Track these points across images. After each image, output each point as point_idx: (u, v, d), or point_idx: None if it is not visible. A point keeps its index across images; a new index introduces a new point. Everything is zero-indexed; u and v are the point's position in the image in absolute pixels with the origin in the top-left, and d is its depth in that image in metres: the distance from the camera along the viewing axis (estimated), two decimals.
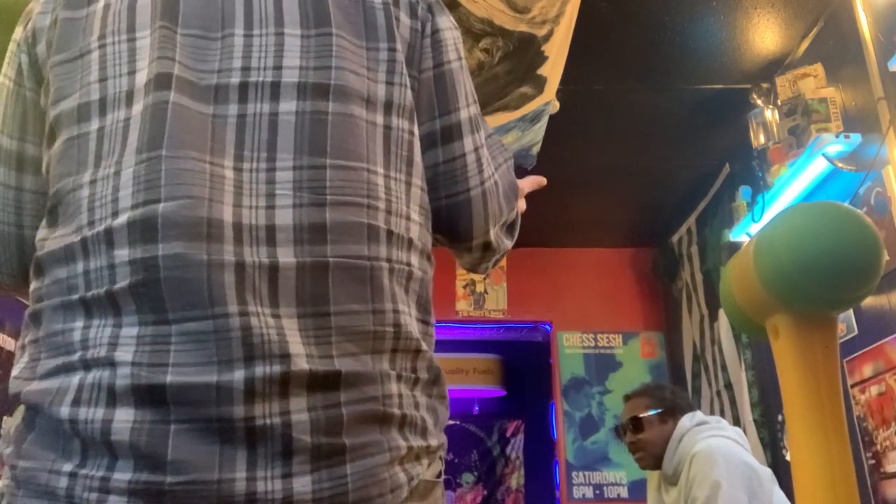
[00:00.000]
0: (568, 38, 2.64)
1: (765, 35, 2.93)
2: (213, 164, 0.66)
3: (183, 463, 0.57)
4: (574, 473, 4.54)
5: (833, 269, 1.63)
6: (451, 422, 6.85)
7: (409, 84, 0.78)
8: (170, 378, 0.59)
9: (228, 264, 0.62)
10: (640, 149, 3.77)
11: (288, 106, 0.70)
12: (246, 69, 0.71)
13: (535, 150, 3.38)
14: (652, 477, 2.37)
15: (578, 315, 4.85)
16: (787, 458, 2.63)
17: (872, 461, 2.54)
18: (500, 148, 0.92)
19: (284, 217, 0.66)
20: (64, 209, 0.69)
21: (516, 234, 0.94)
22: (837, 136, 2.58)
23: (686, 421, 2.21)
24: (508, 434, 6.80)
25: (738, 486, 1.96)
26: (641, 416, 2.26)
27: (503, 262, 4.94)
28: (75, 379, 0.61)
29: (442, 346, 7.11)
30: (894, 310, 2.49)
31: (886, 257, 1.71)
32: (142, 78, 0.70)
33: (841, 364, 2.08)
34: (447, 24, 0.85)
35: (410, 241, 0.73)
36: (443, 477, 0.72)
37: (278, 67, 0.72)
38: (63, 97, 0.73)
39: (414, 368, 0.70)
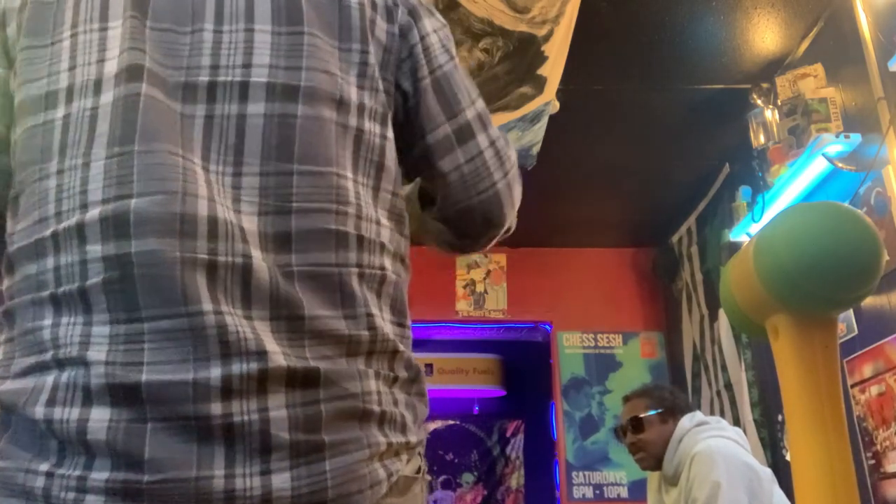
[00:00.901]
0: (568, 38, 2.64)
1: (765, 35, 2.93)
2: (185, 159, 0.65)
3: (160, 461, 0.57)
4: (574, 473, 4.54)
5: (833, 269, 1.63)
6: (451, 422, 6.85)
7: (381, 88, 0.77)
8: (145, 377, 0.58)
9: (201, 263, 0.62)
10: (640, 149, 3.77)
11: (256, 108, 0.69)
12: (215, 67, 0.70)
13: (535, 150, 3.38)
14: (652, 478, 2.37)
15: (578, 315, 4.85)
16: (787, 458, 2.63)
17: (872, 461, 2.54)
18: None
19: (250, 223, 0.65)
20: (27, 198, 0.68)
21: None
22: (837, 136, 2.58)
23: (686, 421, 2.21)
24: (508, 434, 6.80)
25: (738, 486, 1.96)
26: (642, 416, 2.26)
27: (503, 263, 4.95)
28: (49, 378, 0.61)
29: (442, 346, 7.14)
30: (894, 310, 2.48)
31: (886, 257, 1.71)
32: (111, 67, 0.69)
33: (841, 364, 2.08)
34: (432, 26, 0.84)
35: (382, 246, 0.72)
36: (423, 473, 0.73)
37: (248, 66, 0.70)
38: (29, 81, 0.71)
39: (392, 367, 0.70)
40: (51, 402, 0.59)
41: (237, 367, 0.60)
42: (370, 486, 0.63)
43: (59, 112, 0.69)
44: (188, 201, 0.63)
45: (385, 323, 0.70)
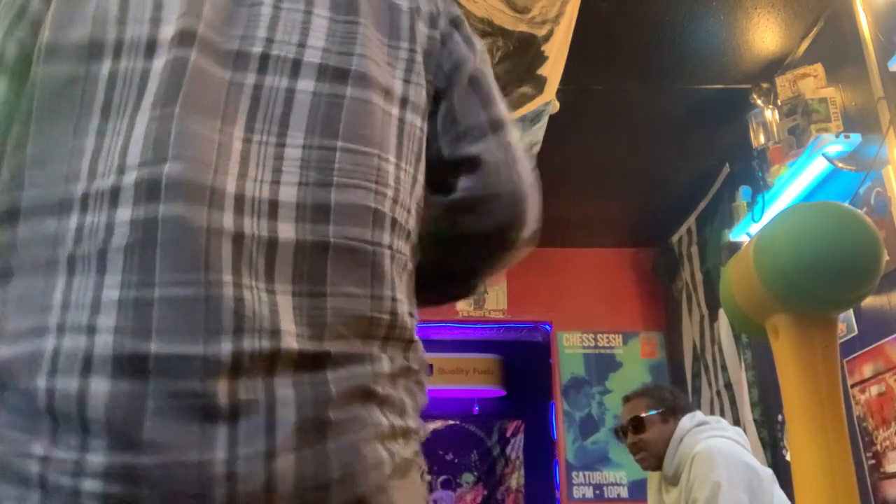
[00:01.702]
0: (568, 38, 2.64)
1: (765, 35, 2.93)
2: (222, 133, 0.64)
3: (160, 442, 0.54)
4: (574, 473, 4.54)
5: (833, 269, 1.63)
6: (451, 422, 6.85)
7: (424, 85, 0.79)
8: (154, 347, 0.56)
9: (227, 233, 0.60)
10: (640, 149, 3.77)
11: (306, 84, 0.69)
12: (269, 40, 0.70)
13: (535, 150, 3.38)
14: (652, 478, 2.37)
15: (578, 315, 4.85)
16: (787, 458, 2.63)
17: (872, 461, 2.54)
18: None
19: (288, 194, 0.65)
20: (50, 151, 0.64)
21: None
22: (837, 136, 2.58)
23: (686, 421, 2.21)
24: (508, 434, 6.80)
25: (738, 486, 1.96)
26: (643, 416, 2.26)
27: None
28: (48, 344, 0.57)
29: (442, 346, 7.14)
30: (894, 310, 2.48)
31: (886, 257, 1.71)
32: (167, 31, 0.67)
33: (841, 364, 2.08)
34: (469, 34, 0.88)
35: (409, 234, 0.73)
36: (421, 458, 0.73)
37: (302, 45, 0.71)
38: (67, 20, 0.68)
39: (406, 357, 0.70)
40: (52, 373, 0.56)
41: (249, 344, 0.58)
42: (374, 467, 0.62)
43: (105, 67, 0.66)
44: (219, 176, 0.62)
45: (405, 310, 0.70)
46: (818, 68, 2.80)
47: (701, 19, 2.83)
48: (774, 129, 2.98)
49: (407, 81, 0.77)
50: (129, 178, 0.61)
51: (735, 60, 3.07)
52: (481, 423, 6.90)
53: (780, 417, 3.31)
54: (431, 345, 7.34)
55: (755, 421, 3.50)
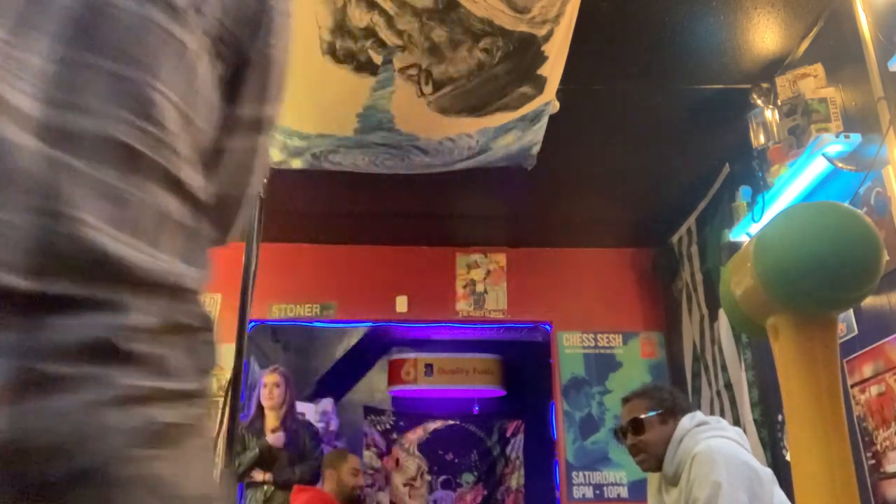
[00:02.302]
0: (568, 38, 2.64)
1: (765, 35, 2.93)
2: None
3: None
4: (574, 473, 4.54)
5: (833, 269, 1.63)
6: (451, 422, 6.86)
7: (215, 23, 0.70)
8: None
9: None
10: (640, 149, 3.77)
11: None
12: None
13: (535, 150, 3.38)
14: (652, 479, 2.37)
15: (578, 315, 4.85)
16: (787, 458, 2.63)
17: (872, 461, 2.54)
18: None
19: (21, 102, 0.55)
20: None
21: None
22: (837, 136, 2.58)
23: (686, 421, 2.21)
24: (508, 434, 6.80)
25: (738, 486, 1.96)
26: (642, 417, 2.26)
27: (503, 262, 4.95)
28: None
29: (442, 346, 7.11)
30: (894, 310, 2.48)
31: (886, 257, 1.71)
32: None
33: (841, 364, 2.08)
34: (283, 8, 0.79)
35: (178, 182, 0.63)
36: (204, 423, 0.62)
37: None
38: None
39: (171, 308, 0.60)
40: None
41: None
42: (110, 434, 0.52)
43: None
44: None
45: (170, 256, 0.61)
46: (818, 68, 2.80)
47: (701, 19, 2.83)
48: (774, 129, 2.98)
49: (199, 11, 0.68)
50: None
51: (735, 60, 3.07)
52: (481, 423, 6.90)
53: (780, 417, 3.30)
54: (431, 345, 7.37)
55: (755, 421, 3.50)
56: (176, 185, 0.64)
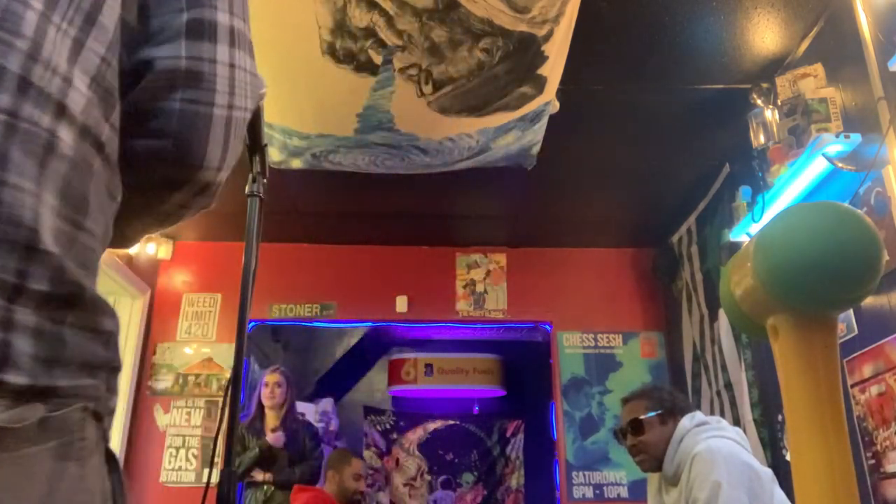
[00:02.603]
0: (568, 38, 2.64)
1: (765, 35, 2.93)
2: None
3: None
4: (574, 473, 4.54)
5: (833, 269, 1.63)
6: (451, 422, 6.86)
7: None
8: None
9: None
10: (640, 149, 3.77)
11: None
12: None
13: (535, 150, 3.38)
14: (652, 479, 2.36)
15: (578, 315, 4.85)
16: (787, 458, 2.63)
17: (872, 461, 2.54)
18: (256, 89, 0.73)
19: None
20: None
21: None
22: (837, 136, 2.58)
23: (686, 422, 2.21)
24: (508, 434, 6.80)
25: (738, 486, 1.96)
26: (642, 418, 2.25)
27: (503, 262, 4.95)
28: None
29: (442, 346, 7.12)
30: (894, 310, 2.48)
31: (886, 257, 1.71)
32: None
33: (841, 364, 2.08)
34: None
35: (63, 108, 0.54)
36: (59, 429, 0.51)
37: None
38: None
39: (21, 272, 0.49)
40: None
41: None
42: None
43: None
44: None
45: (35, 202, 0.51)
46: (818, 68, 2.80)
47: (701, 19, 2.83)
48: (774, 129, 2.98)
49: None
50: None
51: (735, 60, 3.07)
52: (481, 423, 6.90)
53: (780, 417, 3.30)
54: (431, 345, 7.37)
55: (755, 421, 3.50)
56: (60, 108, 0.55)
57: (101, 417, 0.56)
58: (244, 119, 0.69)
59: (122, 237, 0.69)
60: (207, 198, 0.70)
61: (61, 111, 0.54)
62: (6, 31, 0.52)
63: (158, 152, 0.65)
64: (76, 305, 0.53)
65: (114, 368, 0.58)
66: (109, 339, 0.57)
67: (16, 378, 0.48)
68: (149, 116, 0.64)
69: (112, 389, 0.58)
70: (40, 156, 0.52)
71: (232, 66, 0.67)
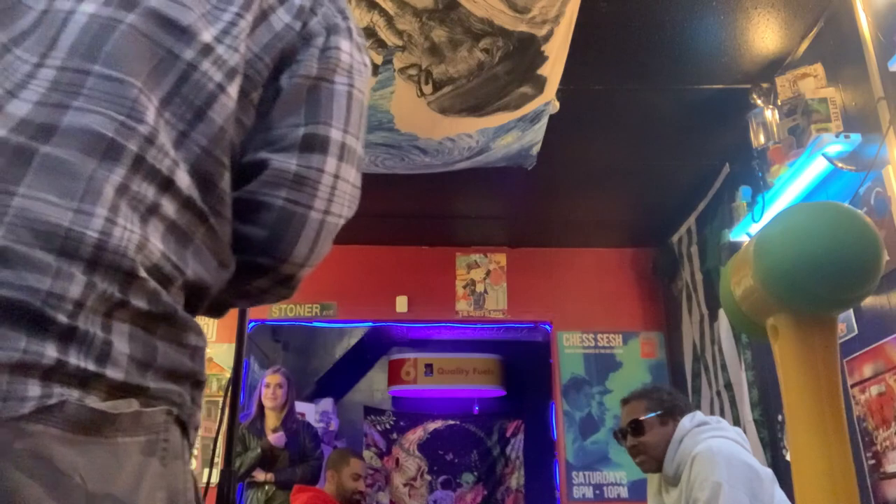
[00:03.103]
0: (568, 38, 2.64)
1: (765, 35, 2.93)
2: None
3: None
4: (574, 473, 4.54)
5: (833, 269, 1.63)
6: (451, 422, 6.86)
7: (243, 54, 0.72)
8: None
9: None
10: (641, 149, 3.77)
11: (88, 7, 0.66)
12: None
13: (535, 150, 3.38)
14: (652, 480, 2.36)
15: (578, 315, 4.85)
16: (787, 458, 2.63)
17: (872, 461, 2.54)
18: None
19: (19, 108, 0.60)
20: None
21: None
22: (837, 136, 2.58)
23: (686, 422, 2.20)
24: (508, 434, 6.80)
25: (738, 486, 1.96)
26: (642, 418, 2.25)
27: (503, 262, 4.95)
28: None
29: (442, 346, 7.11)
30: (894, 310, 2.48)
31: (886, 257, 1.71)
32: None
33: (841, 364, 2.08)
34: (348, 48, 0.79)
35: (170, 182, 0.64)
36: (144, 427, 0.58)
37: None
38: None
39: (123, 290, 0.58)
40: None
41: None
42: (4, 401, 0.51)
43: None
44: None
45: (143, 241, 0.60)
46: (818, 68, 2.80)
47: (701, 19, 2.83)
48: (774, 129, 2.98)
49: (218, 41, 0.70)
50: None
51: (735, 60, 3.07)
52: (481, 423, 6.90)
53: (780, 417, 3.31)
54: (431, 345, 7.37)
55: (755, 421, 3.50)
56: (168, 184, 0.63)
57: (186, 427, 0.63)
58: (337, 225, 0.77)
59: (214, 306, 0.77)
60: (287, 289, 0.78)
61: (168, 185, 0.63)
62: (133, 118, 0.62)
63: (253, 239, 0.73)
64: (167, 321, 0.62)
65: (198, 382, 0.65)
66: (195, 353, 0.65)
67: (114, 373, 0.56)
68: (255, 207, 0.72)
69: (197, 403, 0.65)
70: (143, 212, 0.61)
71: (336, 176, 0.75)
